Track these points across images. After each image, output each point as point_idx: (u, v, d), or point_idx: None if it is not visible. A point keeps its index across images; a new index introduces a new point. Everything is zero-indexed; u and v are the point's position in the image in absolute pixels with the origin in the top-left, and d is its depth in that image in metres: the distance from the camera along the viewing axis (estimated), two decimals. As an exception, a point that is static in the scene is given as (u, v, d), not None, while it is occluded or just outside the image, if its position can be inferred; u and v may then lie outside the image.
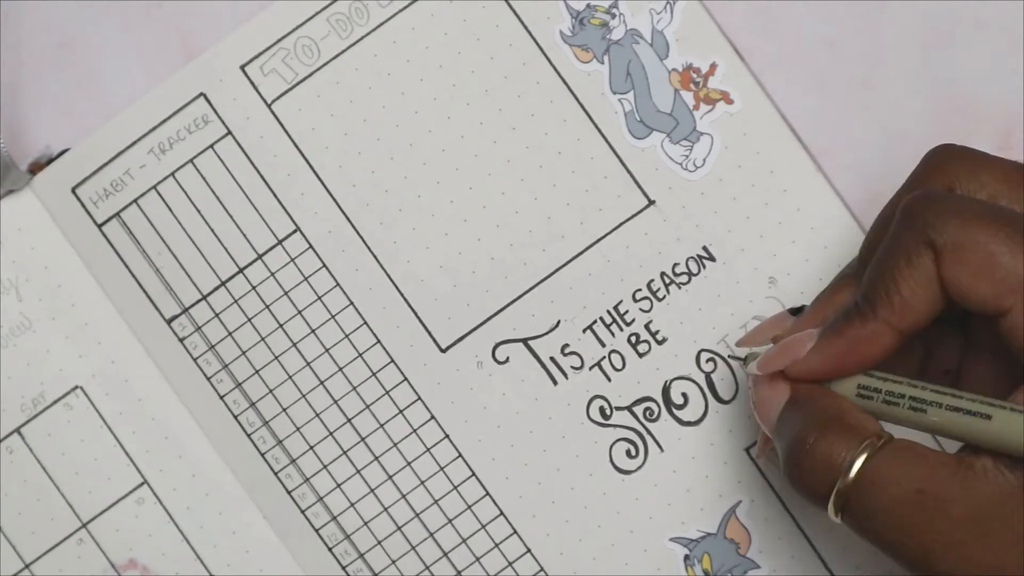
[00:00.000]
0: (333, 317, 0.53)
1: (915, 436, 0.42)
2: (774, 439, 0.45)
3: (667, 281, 0.53)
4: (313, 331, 0.53)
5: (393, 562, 0.53)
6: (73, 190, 0.53)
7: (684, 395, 0.53)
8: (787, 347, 0.45)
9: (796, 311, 0.47)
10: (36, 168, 0.53)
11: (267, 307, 0.53)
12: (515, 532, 0.53)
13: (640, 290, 0.53)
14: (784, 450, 0.44)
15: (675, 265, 0.53)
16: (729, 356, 0.52)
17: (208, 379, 0.53)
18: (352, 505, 0.53)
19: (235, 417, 0.53)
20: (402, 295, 0.53)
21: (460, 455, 0.53)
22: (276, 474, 0.53)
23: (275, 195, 0.53)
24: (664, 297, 0.53)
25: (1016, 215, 0.42)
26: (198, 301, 0.53)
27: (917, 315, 0.42)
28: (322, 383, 0.53)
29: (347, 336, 0.53)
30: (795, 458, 0.43)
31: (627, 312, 0.53)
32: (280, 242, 0.53)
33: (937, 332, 0.45)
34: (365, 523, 0.53)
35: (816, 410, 0.43)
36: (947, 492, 0.40)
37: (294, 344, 0.53)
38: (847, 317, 0.43)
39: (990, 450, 0.41)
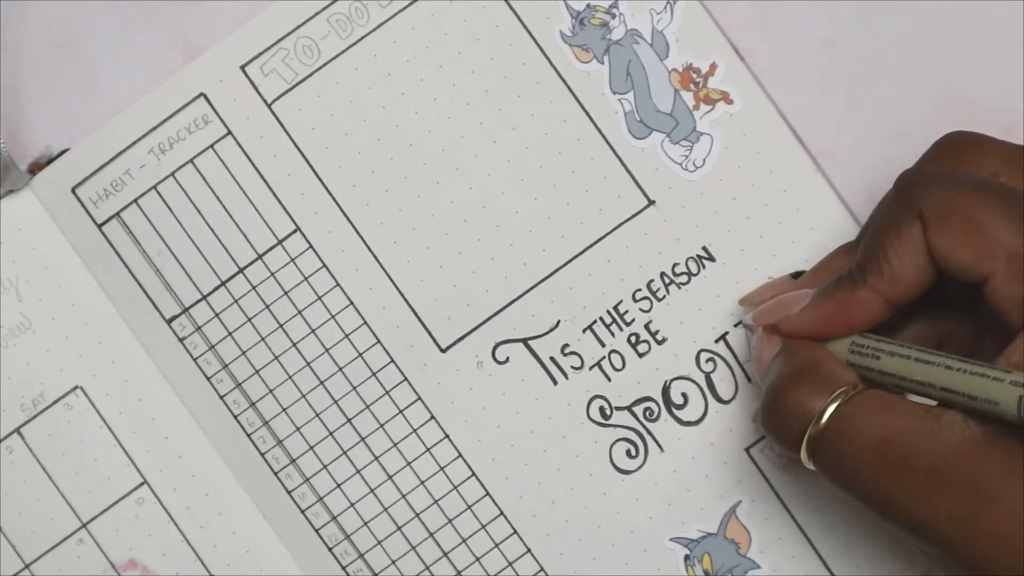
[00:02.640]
0: (333, 317, 0.53)
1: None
2: (761, 388, 0.46)
3: (667, 281, 0.53)
4: (313, 331, 0.53)
5: (393, 562, 0.53)
6: (73, 190, 0.53)
7: (684, 395, 0.53)
8: (781, 303, 0.47)
9: (796, 275, 0.49)
10: (36, 168, 0.53)
11: (267, 307, 0.53)
12: (515, 532, 0.53)
13: (640, 290, 0.53)
14: (763, 396, 0.45)
15: (675, 265, 0.53)
16: (736, 324, 0.52)
17: (208, 379, 0.53)
18: (352, 505, 0.53)
19: (235, 417, 0.53)
20: (402, 295, 0.53)
21: (460, 455, 0.53)
22: (276, 474, 0.53)
23: (275, 195, 0.53)
24: (664, 297, 0.53)
25: (1005, 187, 0.43)
26: (198, 301, 0.53)
27: (905, 284, 0.44)
28: (322, 383, 0.53)
29: (347, 336, 0.53)
30: (770, 405, 0.44)
31: (627, 312, 0.53)
32: (280, 242, 0.53)
33: (951, 318, 0.46)
34: (365, 523, 0.53)
35: (795, 359, 0.45)
36: (911, 442, 0.42)
37: (294, 344, 0.53)
38: (839, 282, 0.45)
39: (962, 409, 0.41)
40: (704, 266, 0.53)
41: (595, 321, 0.53)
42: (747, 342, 0.52)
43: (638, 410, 0.53)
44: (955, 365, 0.42)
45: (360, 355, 0.53)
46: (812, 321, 0.46)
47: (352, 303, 0.53)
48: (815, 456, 0.43)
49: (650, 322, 0.53)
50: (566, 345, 0.53)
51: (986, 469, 0.41)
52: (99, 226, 0.53)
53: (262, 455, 0.53)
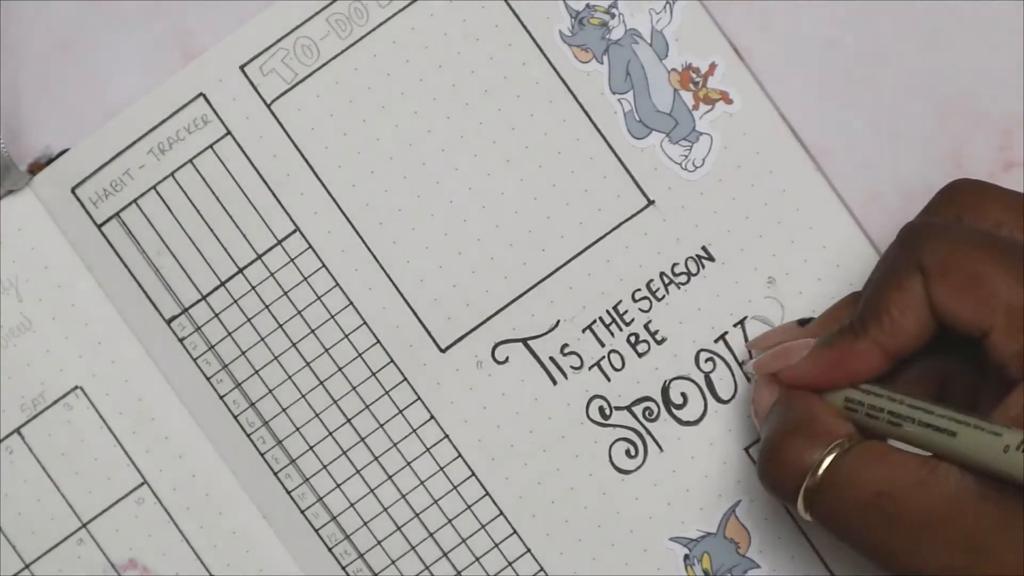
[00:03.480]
0: (333, 317, 0.53)
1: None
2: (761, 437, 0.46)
3: (666, 281, 0.53)
4: (313, 331, 0.53)
5: (393, 562, 0.53)
6: (73, 190, 0.53)
7: (683, 395, 0.53)
8: (782, 352, 0.47)
9: (804, 322, 0.49)
10: (36, 168, 0.53)
11: (267, 307, 0.53)
12: (515, 532, 0.53)
13: (639, 290, 0.53)
14: (760, 449, 0.45)
15: (674, 265, 0.53)
16: (742, 362, 0.53)
17: (208, 379, 0.53)
18: (352, 505, 0.53)
19: (235, 417, 0.53)
20: (402, 295, 0.53)
21: (460, 455, 0.53)
22: (276, 474, 0.53)
23: (275, 195, 0.53)
24: (663, 297, 0.53)
25: (1006, 241, 0.43)
26: (198, 301, 0.53)
27: (905, 337, 0.44)
28: (322, 383, 0.53)
29: (347, 336, 0.53)
30: (767, 457, 0.45)
31: (626, 312, 0.53)
32: (280, 242, 0.53)
33: (954, 361, 0.46)
34: (365, 523, 0.53)
35: (791, 412, 0.45)
36: (905, 494, 0.42)
37: (294, 344, 0.53)
38: (840, 332, 0.45)
39: (957, 464, 0.42)
40: (704, 266, 0.53)
41: (595, 321, 0.53)
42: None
43: (638, 410, 0.53)
44: (944, 425, 0.42)
45: (360, 355, 0.53)
46: (812, 372, 0.46)
47: (352, 303, 0.53)
48: (812, 508, 0.44)
49: (650, 322, 0.53)
50: (566, 345, 0.53)
51: (981, 523, 0.41)
52: (99, 226, 0.53)
53: (262, 455, 0.53)
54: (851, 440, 0.43)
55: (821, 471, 0.43)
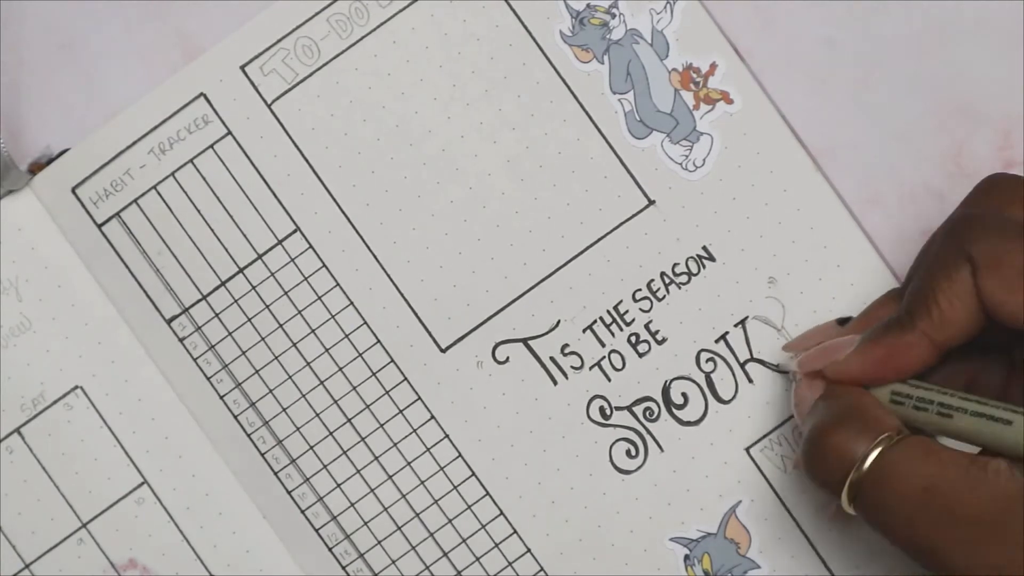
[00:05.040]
0: (333, 317, 0.53)
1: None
2: (803, 432, 0.46)
3: (667, 281, 0.53)
4: (313, 331, 0.53)
5: (393, 562, 0.53)
6: (73, 190, 0.53)
7: (684, 395, 0.53)
8: (827, 349, 0.47)
9: (843, 321, 0.49)
10: (36, 168, 0.53)
11: (267, 307, 0.53)
12: (515, 532, 0.53)
13: (640, 290, 0.53)
14: (804, 438, 0.45)
15: (675, 265, 0.53)
16: (777, 367, 0.52)
17: (208, 379, 0.53)
18: (352, 505, 0.53)
19: (235, 417, 0.53)
20: (402, 295, 0.53)
21: (460, 455, 0.53)
22: (276, 474, 0.53)
23: (275, 195, 0.53)
24: (664, 297, 0.53)
25: None
26: (198, 301, 0.53)
27: (954, 328, 0.43)
28: (322, 383, 0.53)
29: (347, 336, 0.53)
30: (812, 447, 0.44)
31: (627, 312, 0.53)
32: (280, 242, 0.53)
33: (981, 358, 0.46)
34: (365, 523, 0.53)
35: (838, 403, 0.45)
36: (954, 491, 0.41)
37: (294, 344, 0.53)
38: (887, 327, 0.45)
39: (1010, 455, 0.41)
40: (704, 266, 0.53)
41: (595, 321, 0.53)
42: (788, 385, 0.52)
43: (638, 410, 0.53)
44: (999, 414, 0.42)
45: (360, 355, 0.53)
46: (860, 366, 0.45)
47: (352, 303, 0.53)
48: (856, 501, 0.43)
49: (650, 322, 0.53)
50: (566, 345, 0.53)
51: None
52: (99, 226, 0.53)
53: (262, 455, 0.53)
54: (899, 433, 0.43)
55: (868, 464, 0.43)
